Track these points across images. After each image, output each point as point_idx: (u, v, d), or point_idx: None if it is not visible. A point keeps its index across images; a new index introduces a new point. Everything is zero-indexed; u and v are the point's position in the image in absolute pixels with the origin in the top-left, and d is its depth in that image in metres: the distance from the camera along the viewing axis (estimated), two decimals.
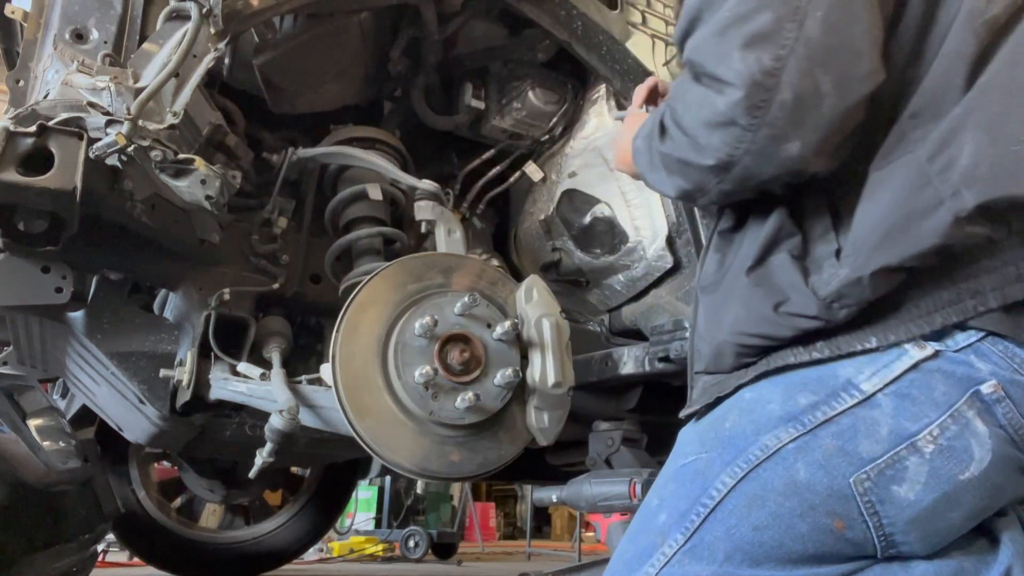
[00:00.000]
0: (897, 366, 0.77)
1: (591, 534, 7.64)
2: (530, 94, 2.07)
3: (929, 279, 0.77)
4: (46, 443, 1.90)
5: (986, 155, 0.74)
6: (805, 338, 0.82)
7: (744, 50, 0.75)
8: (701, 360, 0.94)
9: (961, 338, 0.77)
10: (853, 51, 0.75)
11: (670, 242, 1.93)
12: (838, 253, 0.81)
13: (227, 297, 1.69)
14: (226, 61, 1.90)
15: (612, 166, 2.02)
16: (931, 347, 0.77)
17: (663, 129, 0.87)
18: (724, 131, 0.78)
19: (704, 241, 1.14)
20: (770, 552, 0.77)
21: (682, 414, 0.98)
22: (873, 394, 0.77)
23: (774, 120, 0.75)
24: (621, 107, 2.02)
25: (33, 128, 1.25)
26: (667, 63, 1.93)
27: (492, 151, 2.21)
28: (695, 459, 0.86)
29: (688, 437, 0.90)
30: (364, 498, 7.41)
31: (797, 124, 0.75)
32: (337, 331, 1.35)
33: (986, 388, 0.75)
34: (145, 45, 1.46)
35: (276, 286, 1.81)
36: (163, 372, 1.75)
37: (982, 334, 0.76)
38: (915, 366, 0.77)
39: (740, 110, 0.75)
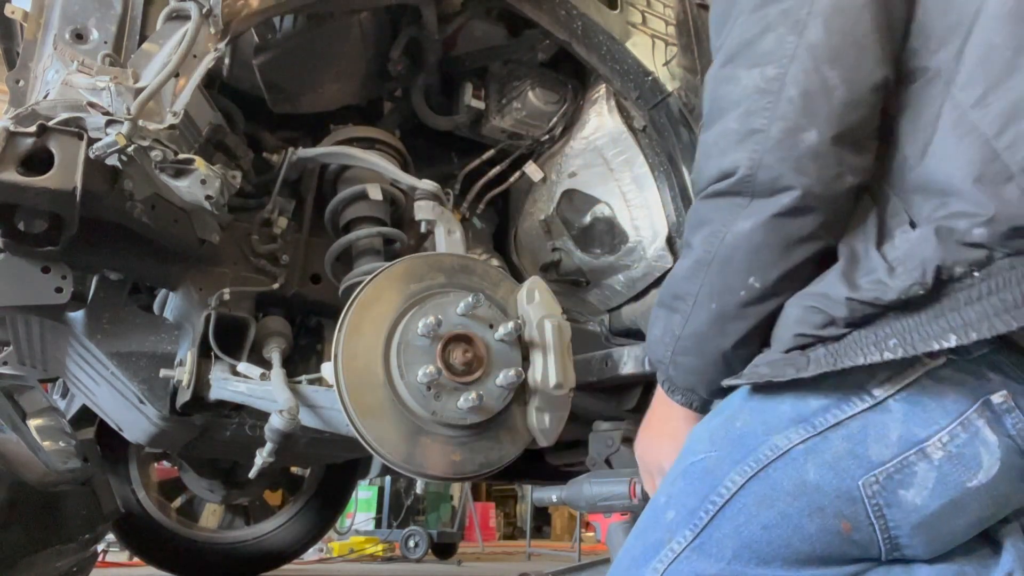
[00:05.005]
0: (909, 373, 0.77)
1: (591, 534, 7.64)
2: (530, 94, 2.07)
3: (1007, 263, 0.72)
4: (46, 443, 1.90)
5: None
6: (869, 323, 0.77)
7: (750, 69, 0.82)
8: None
9: (974, 348, 0.76)
10: (858, 47, 0.79)
11: (670, 242, 1.93)
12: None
13: (227, 297, 1.68)
14: (226, 61, 1.90)
15: (612, 166, 2.03)
16: (944, 356, 0.77)
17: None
18: (742, 142, 0.81)
19: None
20: (778, 551, 0.77)
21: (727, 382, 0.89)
22: (884, 399, 0.78)
23: (785, 114, 0.79)
24: (621, 107, 2.02)
25: (33, 128, 1.25)
26: (667, 63, 1.93)
27: (492, 151, 2.21)
28: (704, 457, 0.85)
29: (698, 436, 0.90)
30: (364, 498, 7.41)
31: (810, 114, 0.78)
32: (339, 330, 1.34)
33: (997, 398, 0.75)
34: (145, 45, 1.45)
35: (276, 286, 1.80)
36: (163, 372, 1.74)
37: (995, 345, 0.76)
38: (927, 373, 0.77)
39: (751, 117, 0.81)
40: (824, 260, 0.83)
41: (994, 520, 0.79)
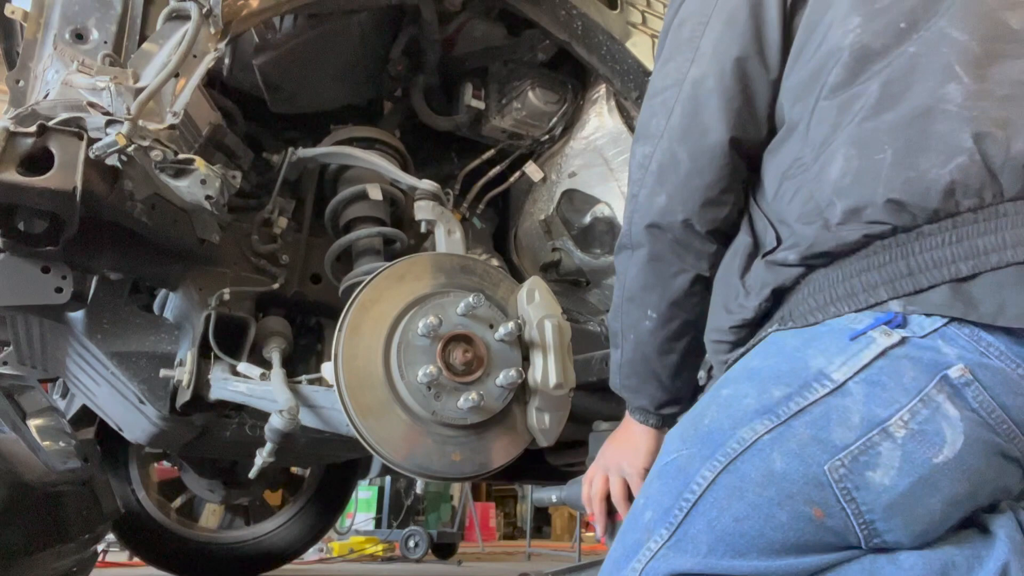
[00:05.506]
0: (865, 354, 0.79)
1: (591, 534, 7.65)
2: (530, 94, 2.07)
3: (825, 277, 0.88)
4: (46, 443, 1.90)
5: (852, 167, 0.85)
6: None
7: (638, 146, 1.07)
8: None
9: (927, 323, 0.78)
10: (701, 128, 1.00)
11: None
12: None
13: (227, 297, 1.68)
14: (226, 61, 1.90)
15: (612, 166, 2.03)
16: (897, 334, 0.78)
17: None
18: (628, 205, 1.08)
19: None
20: (752, 542, 0.78)
21: None
22: (844, 383, 0.79)
23: (648, 183, 1.05)
24: (621, 107, 2.02)
25: (33, 128, 1.25)
26: None
27: (492, 151, 2.21)
28: (676, 456, 0.87)
29: (671, 437, 0.93)
30: (364, 498, 7.42)
31: (662, 183, 1.03)
32: (339, 330, 1.34)
33: (954, 372, 0.76)
34: (145, 45, 1.46)
35: (276, 286, 1.80)
36: (163, 372, 1.74)
37: (947, 319, 0.77)
38: (883, 353, 0.78)
39: (633, 186, 1.07)
40: (709, 279, 1.06)
41: (974, 501, 0.79)
